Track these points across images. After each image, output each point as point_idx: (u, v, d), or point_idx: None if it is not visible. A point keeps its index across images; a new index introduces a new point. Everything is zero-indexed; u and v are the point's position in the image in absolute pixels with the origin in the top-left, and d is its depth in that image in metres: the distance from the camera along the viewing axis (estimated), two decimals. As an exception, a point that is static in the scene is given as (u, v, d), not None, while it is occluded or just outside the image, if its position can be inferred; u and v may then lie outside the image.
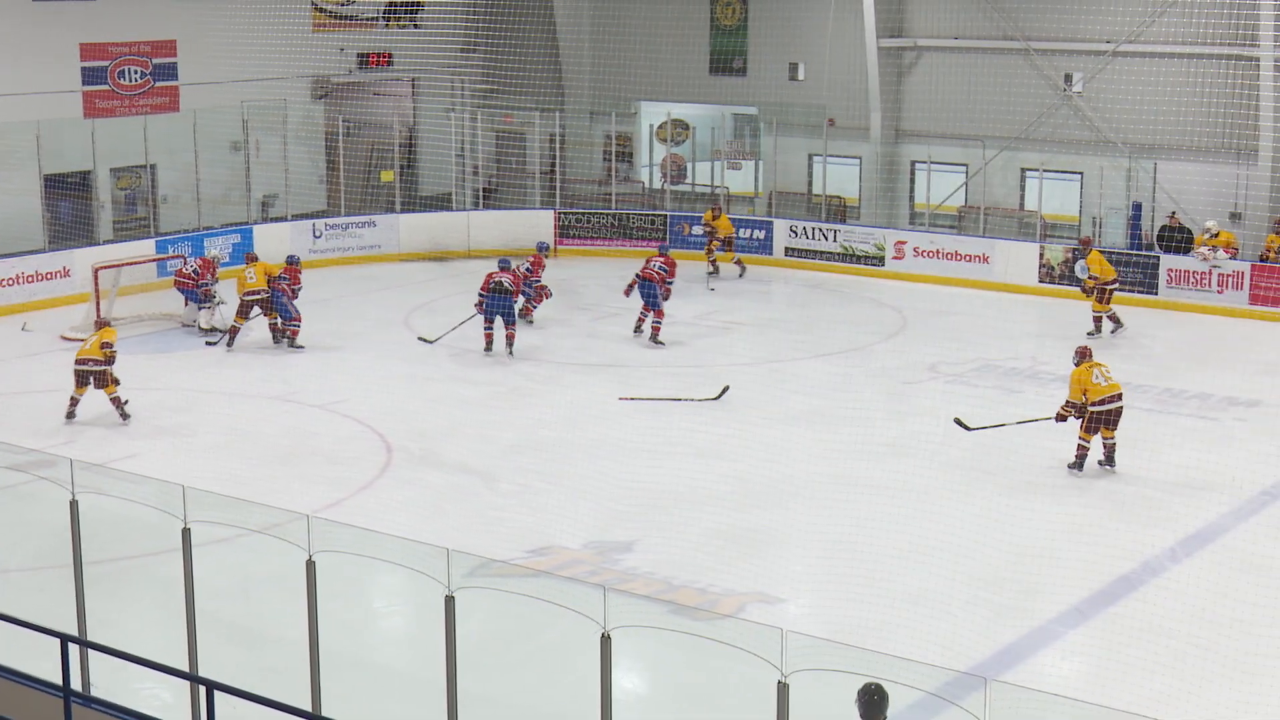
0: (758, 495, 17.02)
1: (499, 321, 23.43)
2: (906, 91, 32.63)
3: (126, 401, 19.96)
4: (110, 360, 19.77)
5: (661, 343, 23.99)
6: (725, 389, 21.07)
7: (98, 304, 24.77)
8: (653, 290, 24.09)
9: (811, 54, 33.58)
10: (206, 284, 24.92)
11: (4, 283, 26.58)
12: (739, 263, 29.87)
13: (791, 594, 14.33)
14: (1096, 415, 17.76)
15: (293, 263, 24.34)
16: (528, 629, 12.74)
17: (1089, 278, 24.42)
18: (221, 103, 30.79)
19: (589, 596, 8.89)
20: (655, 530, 15.89)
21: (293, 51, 31.90)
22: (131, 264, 26.12)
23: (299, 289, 24.11)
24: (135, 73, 30.77)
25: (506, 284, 23.44)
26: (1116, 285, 24.56)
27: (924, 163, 30.93)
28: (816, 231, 31.08)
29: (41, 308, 26.50)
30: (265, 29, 31.19)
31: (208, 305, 24.83)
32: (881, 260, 30.28)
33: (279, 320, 23.97)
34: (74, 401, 19.88)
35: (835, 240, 30.87)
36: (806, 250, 31.11)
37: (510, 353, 23.22)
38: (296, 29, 32.62)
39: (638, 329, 24.53)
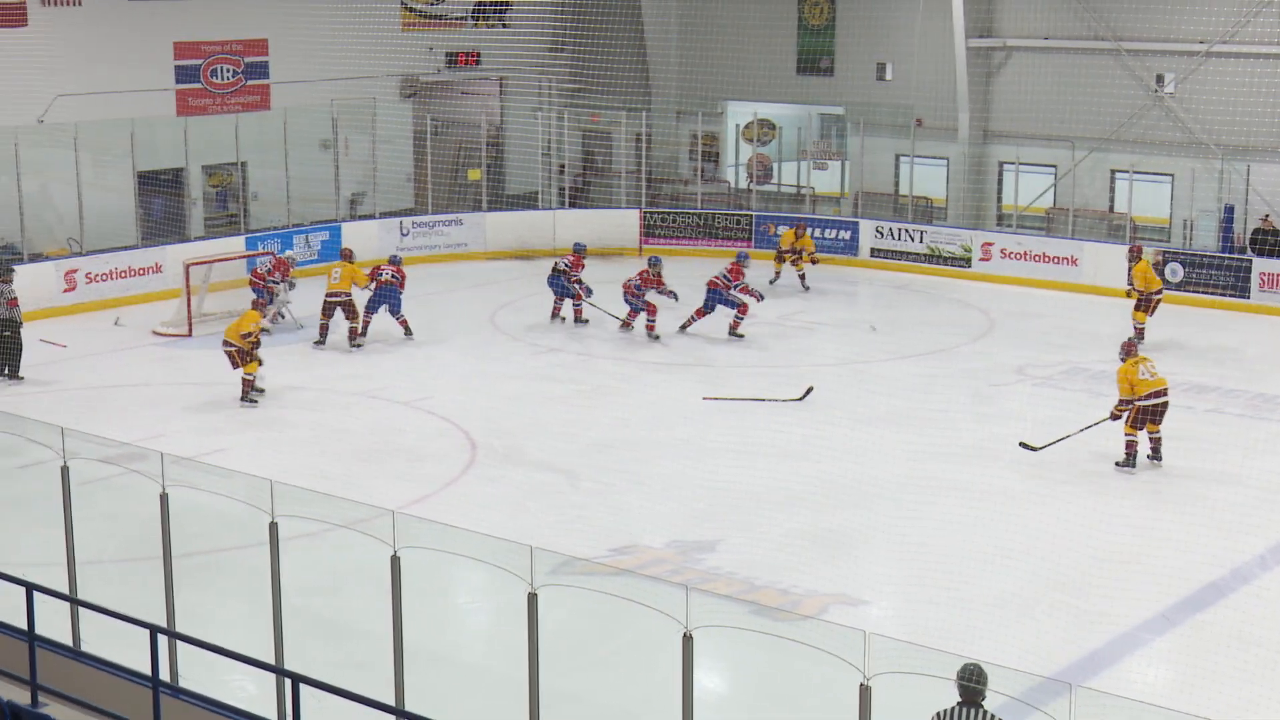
0: (840, 497, 16.95)
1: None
2: (995, 92, 32.37)
3: (262, 391, 20.97)
4: (251, 345, 20.67)
5: (741, 335, 24.44)
6: (809, 390, 21.01)
7: (189, 300, 25.07)
8: (716, 295, 24.67)
9: (899, 54, 33.39)
10: (273, 281, 25.13)
11: (98, 278, 26.97)
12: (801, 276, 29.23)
13: (874, 596, 14.26)
14: (1143, 410, 17.79)
15: (395, 262, 24.80)
16: (610, 627, 12.76)
17: (1133, 289, 24.02)
18: (311, 101, 31.06)
19: (671, 596, 8.89)
20: (737, 530, 15.87)
21: (382, 51, 32.13)
22: (222, 260, 26.42)
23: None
24: (227, 71, 31.10)
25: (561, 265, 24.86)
26: (1161, 297, 24.03)
27: (1012, 164, 30.67)
28: (903, 232, 30.91)
29: (134, 303, 26.86)
30: (355, 28, 31.44)
31: (270, 304, 24.77)
32: (968, 262, 30.06)
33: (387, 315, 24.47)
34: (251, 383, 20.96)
35: (921, 241, 30.69)
36: (892, 251, 30.95)
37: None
38: (386, 28, 32.83)
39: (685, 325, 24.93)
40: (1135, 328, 23.65)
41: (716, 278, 24.61)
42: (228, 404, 20.69)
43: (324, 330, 24.19)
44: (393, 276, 24.40)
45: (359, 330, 24.18)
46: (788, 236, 29.38)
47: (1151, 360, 18.15)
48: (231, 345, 20.84)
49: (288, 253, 26.46)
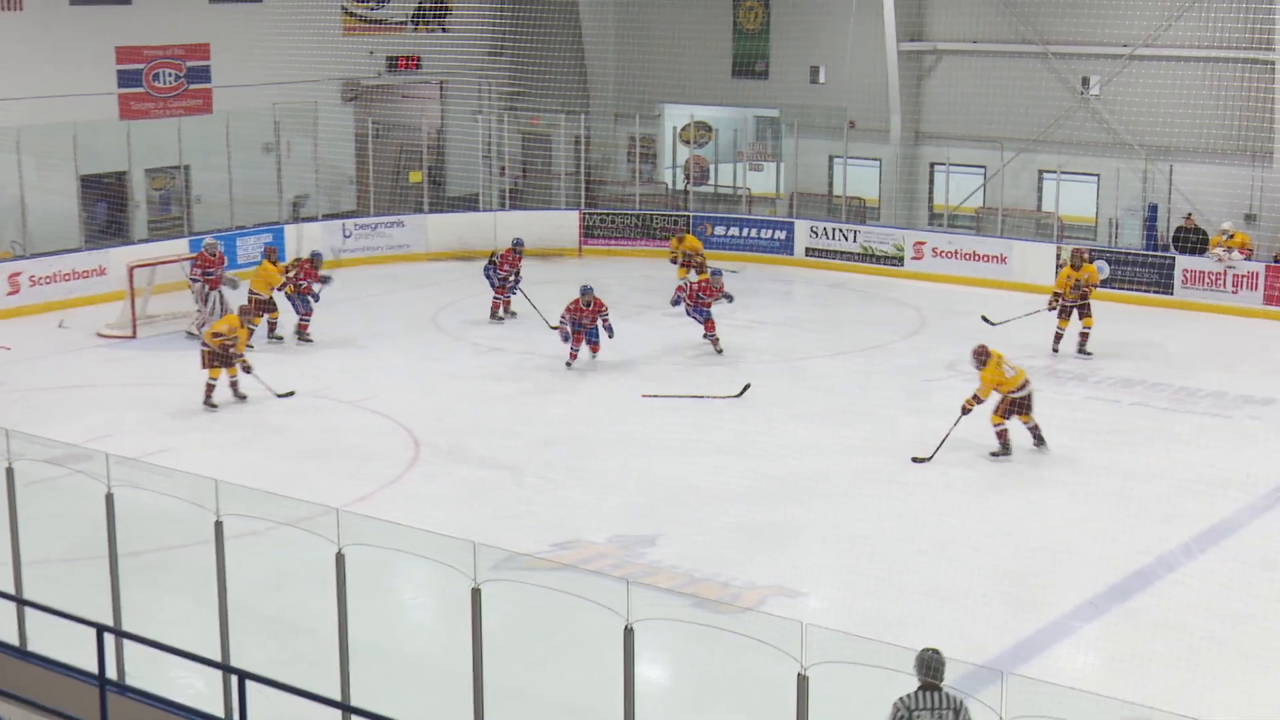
0: (778, 491, 17.01)
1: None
2: (926, 94, 32.57)
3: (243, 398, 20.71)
4: (222, 347, 20.32)
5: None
6: (747, 387, 21.07)
7: (133, 302, 24.88)
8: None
9: (832, 57, 33.52)
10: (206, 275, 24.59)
11: (42, 280, 26.69)
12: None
13: (812, 588, 14.32)
14: (1014, 402, 18.24)
15: (315, 259, 24.50)
16: (553, 622, 12.75)
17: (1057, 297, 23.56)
18: (254, 105, 30.89)
19: (613, 590, 8.91)
20: (678, 525, 15.90)
21: (323, 55, 32.01)
22: (165, 263, 26.18)
23: (314, 284, 24.25)
24: (170, 75, 30.87)
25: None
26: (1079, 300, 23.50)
27: (943, 164, 30.85)
28: (837, 232, 31.03)
29: (78, 305, 26.61)
30: (296, 33, 31.29)
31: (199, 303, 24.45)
32: (901, 260, 30.22)
33: (296, 314, 24.20)
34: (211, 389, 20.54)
35: (855, 241, 30.82)
36: (827, 250, 31.07)
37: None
38: (327, 33, 32.73)
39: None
40: (1057, 333, 23.49)
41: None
42: (172, 404, 20.51)
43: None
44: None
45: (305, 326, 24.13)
46: (674, 244, 28.67)
47: (1004, 356, 18.49)
48: (206, 345, 20.61)
49: (206, 240, 25.35)
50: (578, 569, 13.71)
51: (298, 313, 24.29)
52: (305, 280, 24.21)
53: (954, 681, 9.02)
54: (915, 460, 18.09)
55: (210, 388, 20.50)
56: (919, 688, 8.88)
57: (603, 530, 15.71)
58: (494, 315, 25.74)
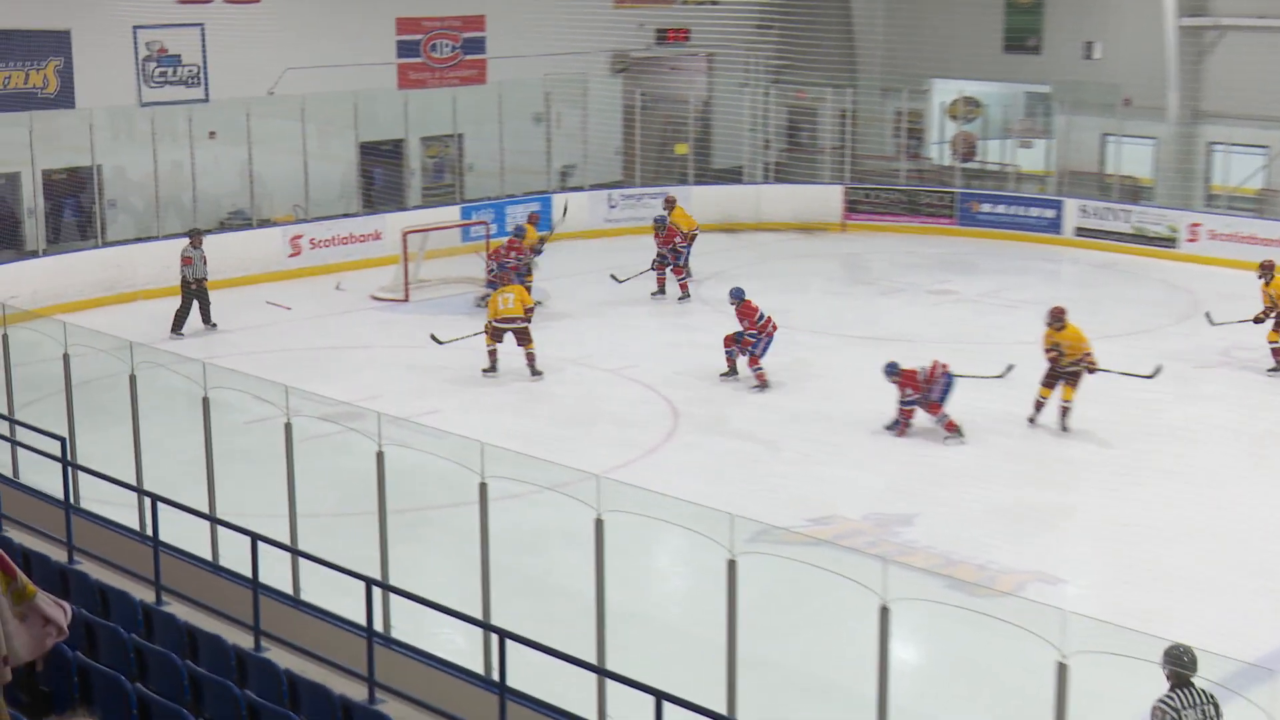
0: (1040, 474, 16.67)
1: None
2: (1206, 71, 31.36)
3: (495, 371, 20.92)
4: (529, 319, 20.66)
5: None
6: (1010, 367, 20.61)
7: (406, 267, 25.51)
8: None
9: (1108, 32, 32.54)
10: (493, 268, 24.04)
11: (321, 244, 27.62)
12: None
13: (1072, 575, 13.99)
14: (1067, 374, 18.26)
15: (518, 234, 23.97)
16: (807, 596, 12.71)
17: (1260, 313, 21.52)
18: (526, 76, 31.35)
19: (868, 567, 8.82)
20: (936, 505, 15.70)
21: (594, 27, 32.33)
22: (438, 229, 26.82)
23: (523, 259, 23.54)
24: (446, 46, 31.55)
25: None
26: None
27: (1222, 144, 29.70)
28: (1108, 212, 30.17)
29: (354, 268, 27.43)
30: (569, 5, 31.68)
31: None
32: (1174, 242, 29.22)
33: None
34: (493, 355, 20.72)
35: (1128, 221, 29.91)
36: (1098, 230, 30.21)
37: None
38: (598, 5, 33.03)
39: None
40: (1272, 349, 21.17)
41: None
42: (441, 367, 21.01)
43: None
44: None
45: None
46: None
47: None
48: (515, 322, 20.57)
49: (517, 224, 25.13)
50: (833, 545, 13.64)
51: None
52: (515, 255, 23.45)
53: (1222, 679, 8.70)
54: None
55: (532, 358, 20.68)
56: (1173, 685, 8.58)
57: (859, 507, 15.60)
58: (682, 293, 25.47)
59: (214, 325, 23.20)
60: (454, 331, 21.72)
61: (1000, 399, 19.44)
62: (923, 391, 18.07)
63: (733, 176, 33.66)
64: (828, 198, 32.27)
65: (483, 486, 10.50)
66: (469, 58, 31.88)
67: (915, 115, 35.19)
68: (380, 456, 11.16)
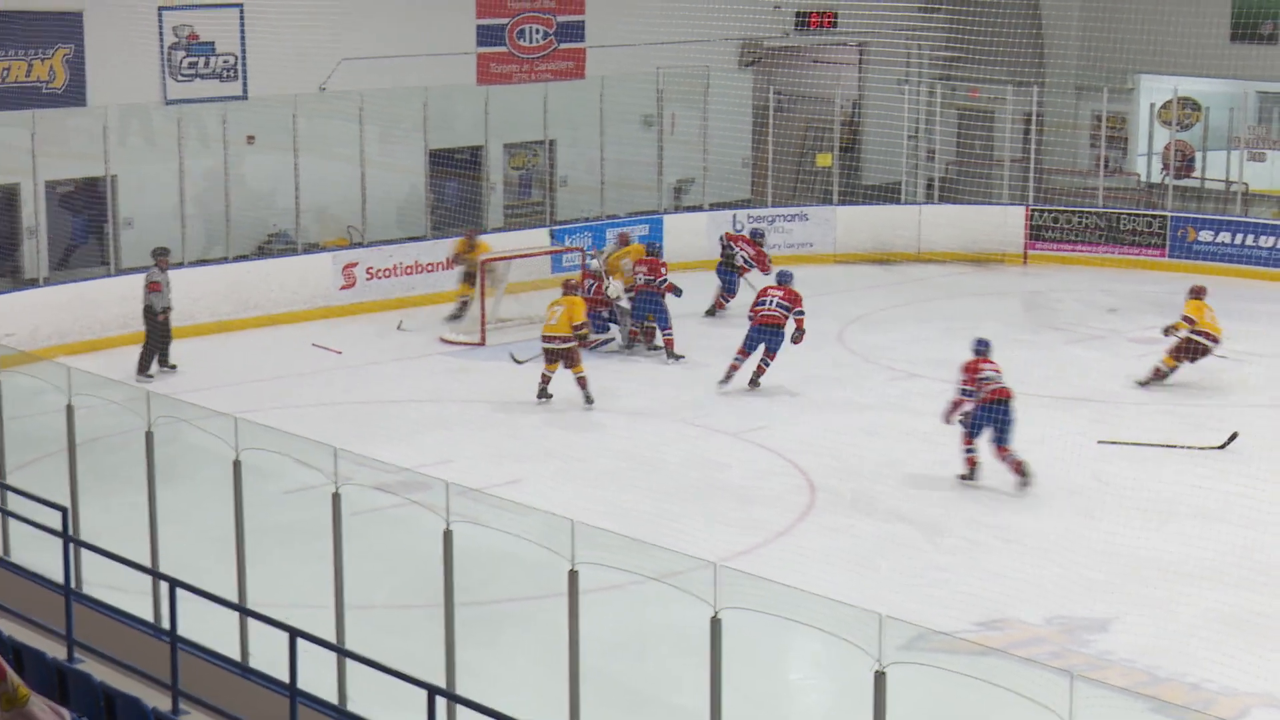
0: (1273, 573, 16.44)
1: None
2: None
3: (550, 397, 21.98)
4: (582, 338, 21.76)
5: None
6: (1234, 436, 20.42)
7: (483, 302, 25.68)
8: (770, 334, 23.11)
9: (1364, 17, 32.24)
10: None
11: (380, 274, 27.91)
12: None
13: (1311, 699, 13.79)
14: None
15: (652, 252, 25.36)
16: (974, 718, 12.62)
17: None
18: (633, 69, 31.53)
19: (1052, 684, 8.75)
20: (1137, 607, 15.54)
21: (718, 10, 32.41)
22: (523, 256, 27.00)
23: (662, 283, 24.82)
24: (537, 33, 31.81)
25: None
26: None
27: None
28: (1361, 242, 29.83)
29: (420, 304, 27.66)
30: (688, -17, 31.89)
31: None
32: None
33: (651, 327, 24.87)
34: (545, 379, 21.97)
35: (1387, 253, 29.58)
36: (1347, 265, 29.88)
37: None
38: (726, -17, 33.23)
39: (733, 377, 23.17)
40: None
41: (773, 312, 23.27)
42: (525, 427, 21.15)
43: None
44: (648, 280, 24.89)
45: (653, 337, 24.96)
46: (460, 245, 27.54)
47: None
48: (555, 341, 21.84)
49: (593, 262, 26.38)
50: (1007, 655, 13.53)
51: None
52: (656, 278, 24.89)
53: None
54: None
55: (583, 381, 21.99)
56: None
57: (1040, 609, 15.47)
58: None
59: (173, 368, 23.63)
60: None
61: (1224, 475, 19.22)
62: (973, 389, 19.08)
63: (889, 195, 33.66)
64: (1006, 222, 32.16)
65: (573, 574, 10.54)
66: (564, 47, 32.15)
67: (1117, 120, 35.02)
68: (448, 536, 11.24)
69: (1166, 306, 25.54)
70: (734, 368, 22.80)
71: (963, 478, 19.26)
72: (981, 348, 19.85)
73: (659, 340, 24.78)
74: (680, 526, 17.08)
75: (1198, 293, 23.39)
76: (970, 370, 19.55)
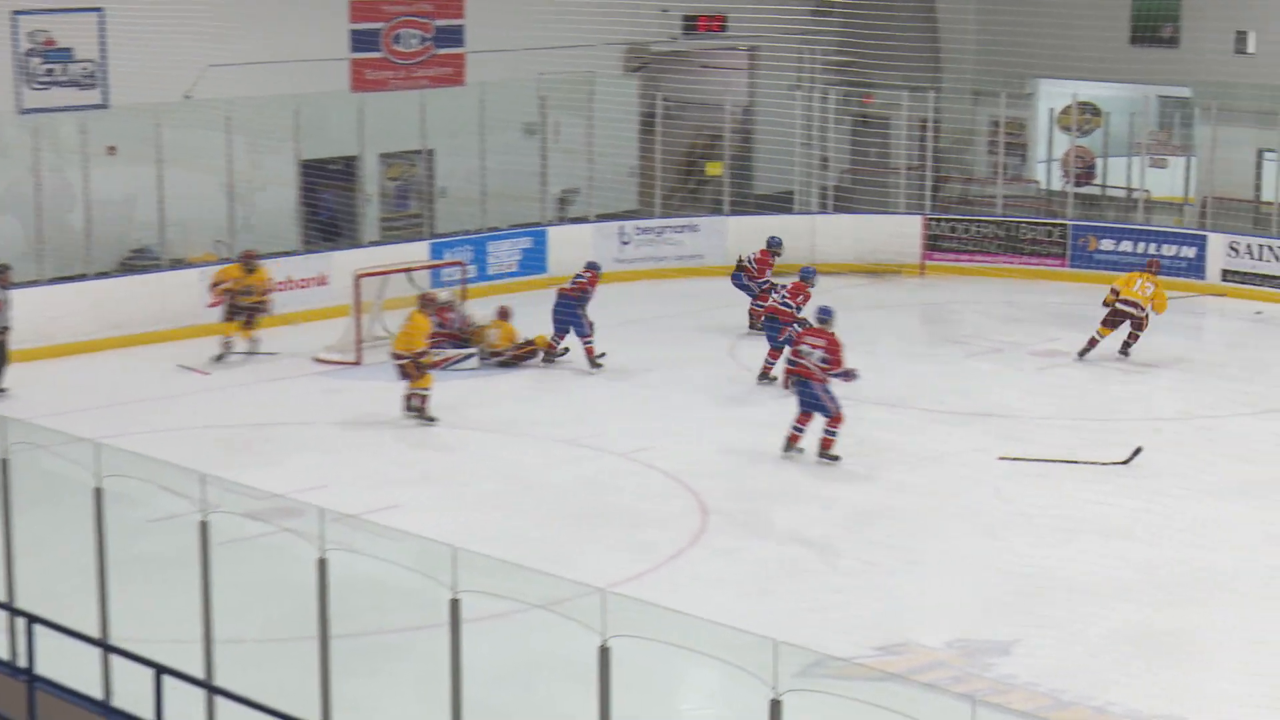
0: (1178, 590, 16.64)
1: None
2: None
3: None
4: (421, 364, 21.90)
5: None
6: (1137, 451, 20.65)
7: (358, 320, 25.55)
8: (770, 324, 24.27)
9: (1266, 19, 32.71)
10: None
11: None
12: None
13: (1215, 718, 13.94)
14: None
15: (593, 269, 25.42)
16: (872, 746, 12.66)
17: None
18: (515, 75, 31.49)
19: (954, 710, 8.81)
20: (1041, 628, 15.66)
21: (604, 14, 32.43)
22: (401, 271, 26.88)
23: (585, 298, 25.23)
24: (414, 38, 31.73)
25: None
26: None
27: None
28: (1265, 250, 30.21)
29: (291, 321, 27.45)
30: (571, -15, 31.89)
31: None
32: (1353, 290, 29.33)
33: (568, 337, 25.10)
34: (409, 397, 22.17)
35: (1291, 262, 30.02)
36: (1253, 274, 30.27)
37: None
38: (609, -15, 33.26)
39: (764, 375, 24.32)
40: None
41: (777, 304, 24.50)
42: (404, 450, 21.05)
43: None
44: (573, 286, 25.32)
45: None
46: (230, 272, 25.97)
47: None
48: (400, 357, 21.97)
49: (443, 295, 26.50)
50: (907, 680, 13.59)
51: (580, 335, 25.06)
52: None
53: None
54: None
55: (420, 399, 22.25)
56: None
57: (941, 632, 15.55)
58: (753, 325, 26.72)
59: (2, 390, 23.39)
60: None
61: (1128, 491, 19.44)
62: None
63: (781, 204, 33.77)
64: (903, 232, 32.38)
65: (454, 603, 10.49)
66: (443, 52, 32.09)
67: (1016, 126, 35.38)
68: (323, 564, 11.16)
69: (1067, 319, 25.88)
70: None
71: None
72: (824, 316, 21.01)
73: (560, 350, 25.26)
74: (567, 551, 17.08)
75: (1150, 266, 26.28)
76: (797, 340, 21.16)
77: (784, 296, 24.25)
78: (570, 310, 25.02)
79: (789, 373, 21.25)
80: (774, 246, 27.18)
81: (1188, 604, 16.31)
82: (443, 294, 26.22)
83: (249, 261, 25.71)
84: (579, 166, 32.39)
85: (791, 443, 20.84)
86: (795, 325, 22.91)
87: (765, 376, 24.05)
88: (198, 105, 28.11)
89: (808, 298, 24.05)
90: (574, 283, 25.33)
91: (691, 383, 24.44)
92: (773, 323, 24.14)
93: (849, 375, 20.71)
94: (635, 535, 18.20)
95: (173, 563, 12.95)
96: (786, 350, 22.15)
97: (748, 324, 27.00)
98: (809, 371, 20.63)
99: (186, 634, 11.99)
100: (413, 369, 21.93)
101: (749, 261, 27.33)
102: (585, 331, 24.90)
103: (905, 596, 16.54)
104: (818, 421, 20.67)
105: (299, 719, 9.99)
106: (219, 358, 25.25)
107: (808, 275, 24.67)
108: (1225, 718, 14.08)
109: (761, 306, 26.07)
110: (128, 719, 11.34)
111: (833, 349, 20.64)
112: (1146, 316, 25.13)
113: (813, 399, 20.61)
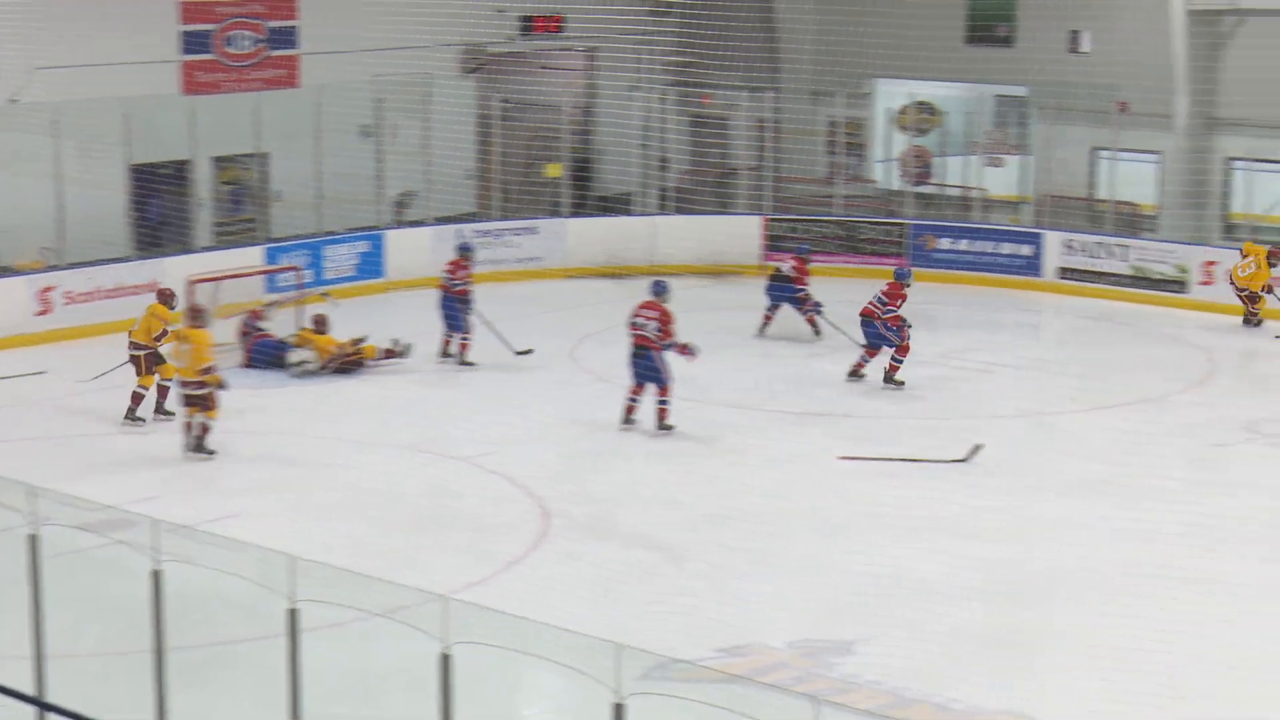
0: (1020, 587, 16.81)
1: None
2: (1223, 68, 32.07)
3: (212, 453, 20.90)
4: (211, 383, 20.71)
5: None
6: (977, 448, 20.86)
7: (193, 326, 25.31)
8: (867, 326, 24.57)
9: (1100, 19, 33.19)
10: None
11: (79, 297, 27.33)
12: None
13: (1060, 716, 14.11)
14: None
15: (465, 252, 26.05)
16: (717, 749, 12.70)
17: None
18: (350, 77, 31.34)
19: (797, 710, 8.84)
20: (885, 628, 15.76)
21: (439, 14, 32.31)
22: (234, 277, 26.64)
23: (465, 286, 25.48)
24: (246, 40, 31.46)
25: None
26: None
27: (1243, 160, 30.33)
28: (1100, 248, 30.66)
29: (123, 329, 27.06)
30: (407, -14, 31.76)
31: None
32: (1185, 285, 29.77)
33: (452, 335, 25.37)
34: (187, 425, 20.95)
35: (1125, 259, 30.42)
36: (1087, 271, 30.71)
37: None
38: (445, -15, 33.18)
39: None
40: None
41: (871, 304, 24.38)
42: (239, 458, 20.83)
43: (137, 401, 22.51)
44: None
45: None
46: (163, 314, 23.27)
47: None
48: (188, 386, 20.83)
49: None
50: (750, 681, 13.65)
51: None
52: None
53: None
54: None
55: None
56: None
57: (784, 632, 15.62)
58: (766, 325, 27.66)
59: None
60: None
61: (969, 488, 19.63)
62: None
63: (620, 206, 33.83)
64: (743, 232, 32.53)
65: (292, 613, 10.42)
66: (276, 54, 31.81)
67: (854, 126, 35.64)
68: (157, 576, 11.04)
69: (908, 316, 26.03)
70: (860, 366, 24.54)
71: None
72: (659, 289, 22.34)
73: (453, 348, 25.45)
74: (408, 559, 17.00)
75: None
76: (633, 312, 21.88)
77: (882, 300, 24.27)
78: (453, 306, 25.42)
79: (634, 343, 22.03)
80: (903, 279, 26.56)
81: (1030, 601, 16.48)
82: (261, 302, 26.17)
83: (170, 301, 23.57)
84: (416, 169, 32.26)
85: (628, 414, 21.85)
86: (907, 324, 24.00)
87: (856, 374, 24.54)
88: (23, 109, 27.74)
89: (904, 299, 24.36)
90: (453, 275, 25.67)
91: (533, 386, 24.41)
92: (868, 324, 24.33)
93: (686, 349, 21.81)
94: (478, 541, 18.13)
95: (1, 578, 12.75)
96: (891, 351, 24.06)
97: (759, 328, 27.66)
98: (649, 340, 21.75)
99: (16, 650, 11.81)
100: (202, 399, 20.65)
101: (790, 270, 27.53)
102: (464, 328, 25.32)
103: (751, 598, 16.59)
104: (651, 394, 21.82)
105: (134, 734, 9.87)
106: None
107: (903, 276, 24.75)
108: (1067, 713, 14.24)
109: (807, 313, 27.13)
110: (-45, 739, 11.16)
111: (665, 321, 21.79)
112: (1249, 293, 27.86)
113: (649, 370, 21.75)
